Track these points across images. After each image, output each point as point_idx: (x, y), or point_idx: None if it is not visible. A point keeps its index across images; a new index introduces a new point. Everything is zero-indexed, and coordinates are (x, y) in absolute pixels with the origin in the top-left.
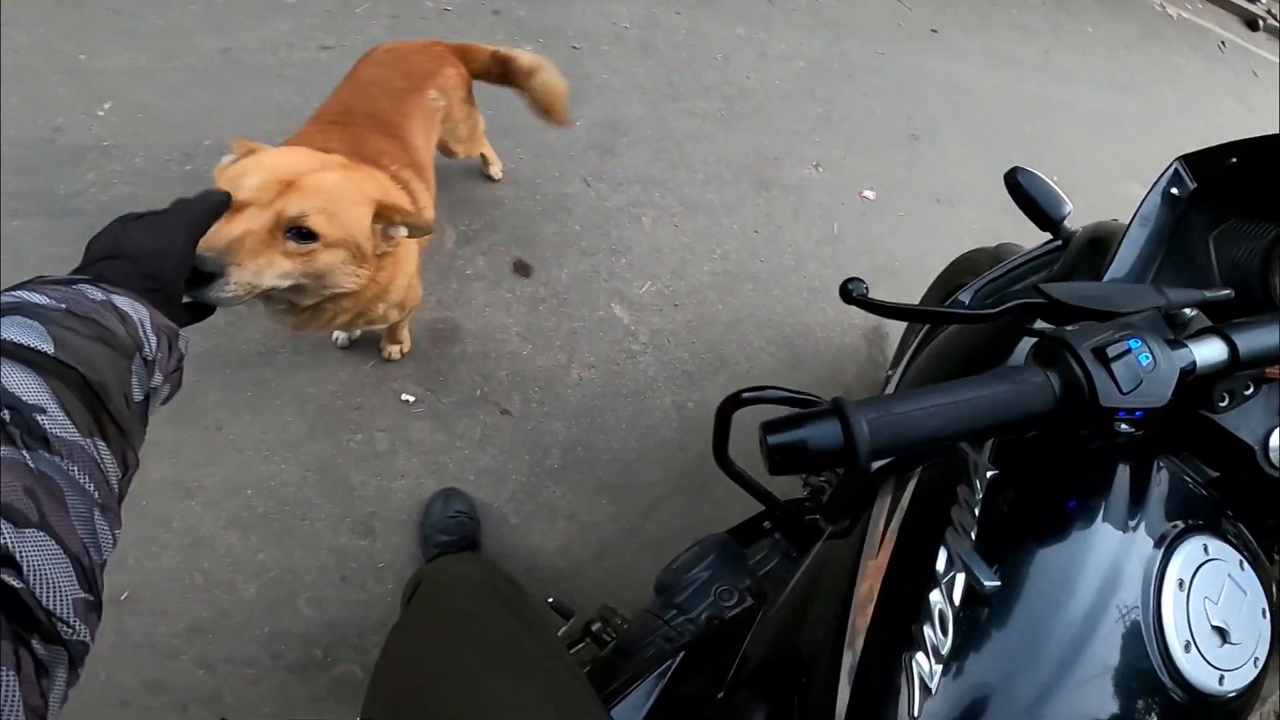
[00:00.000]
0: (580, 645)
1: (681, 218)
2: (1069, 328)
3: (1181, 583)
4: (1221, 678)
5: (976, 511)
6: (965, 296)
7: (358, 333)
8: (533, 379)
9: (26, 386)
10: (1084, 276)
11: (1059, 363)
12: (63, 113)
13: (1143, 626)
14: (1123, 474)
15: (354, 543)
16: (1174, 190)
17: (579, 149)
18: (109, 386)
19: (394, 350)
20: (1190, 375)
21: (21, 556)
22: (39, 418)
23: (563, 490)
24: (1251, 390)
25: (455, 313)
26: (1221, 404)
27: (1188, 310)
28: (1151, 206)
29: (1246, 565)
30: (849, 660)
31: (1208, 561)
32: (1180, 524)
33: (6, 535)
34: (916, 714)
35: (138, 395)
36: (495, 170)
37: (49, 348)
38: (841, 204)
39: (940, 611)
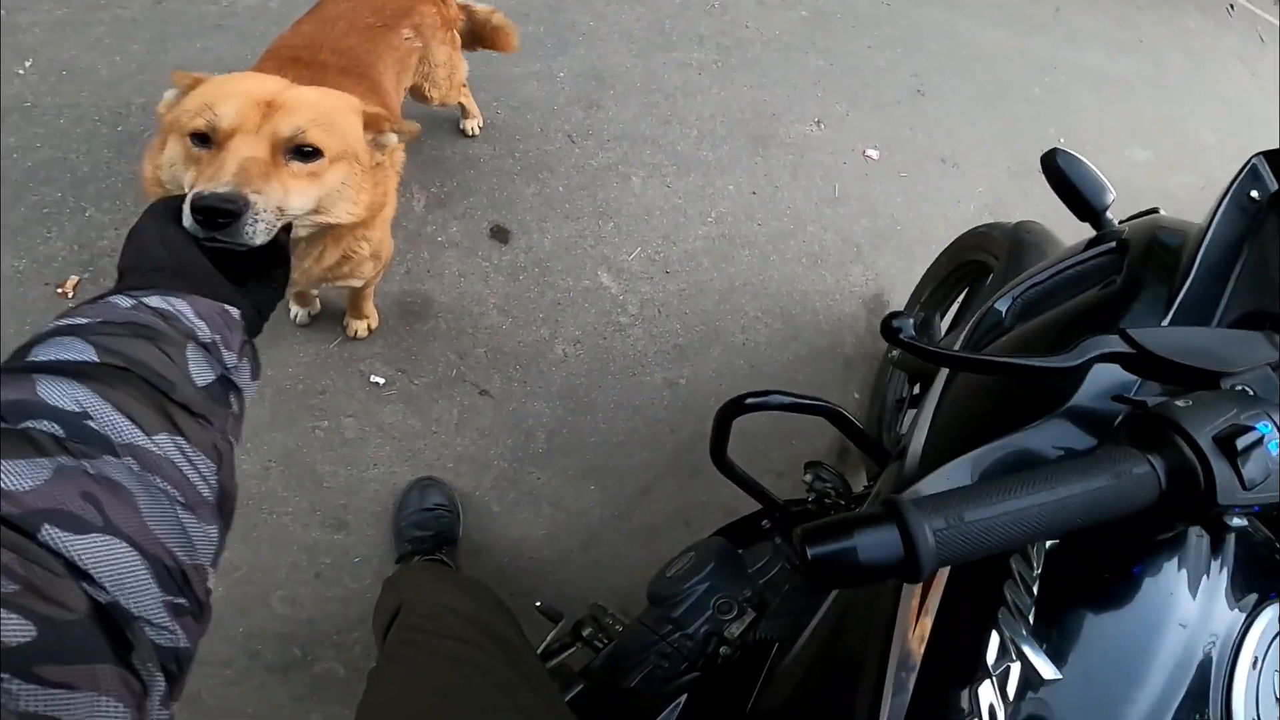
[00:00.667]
0: (571, 650)
1: (673, 177)
2: (1179, 403)
3: (1256, 661)
4: None
5: (1035, 590)
6: (1002, 305)
7: (317, 306)
8: (513, 356)
9: (66, 395)
10: (1154, 296)
11: (1166, 449)
12: None
13: (1211, 712)
14: (1195, 534)
15: (326, 537)
16: (1253, 192)
17: (562, 102)
18: (169, 378)
19: (360, 326)
20: None
21: (86, 563)
22: (88, 423)
23: (547, 476)
24: None
25: (426, 285)
26: None
27: None
28: (1226, 211)
29: None
30: None
31: None
32: (1256, 594)
33: (64, 544)
34: None
35: (207, 379)
36: (472, 125)
37: (92, 356)
38: (843, 163)
39: (990, 707)
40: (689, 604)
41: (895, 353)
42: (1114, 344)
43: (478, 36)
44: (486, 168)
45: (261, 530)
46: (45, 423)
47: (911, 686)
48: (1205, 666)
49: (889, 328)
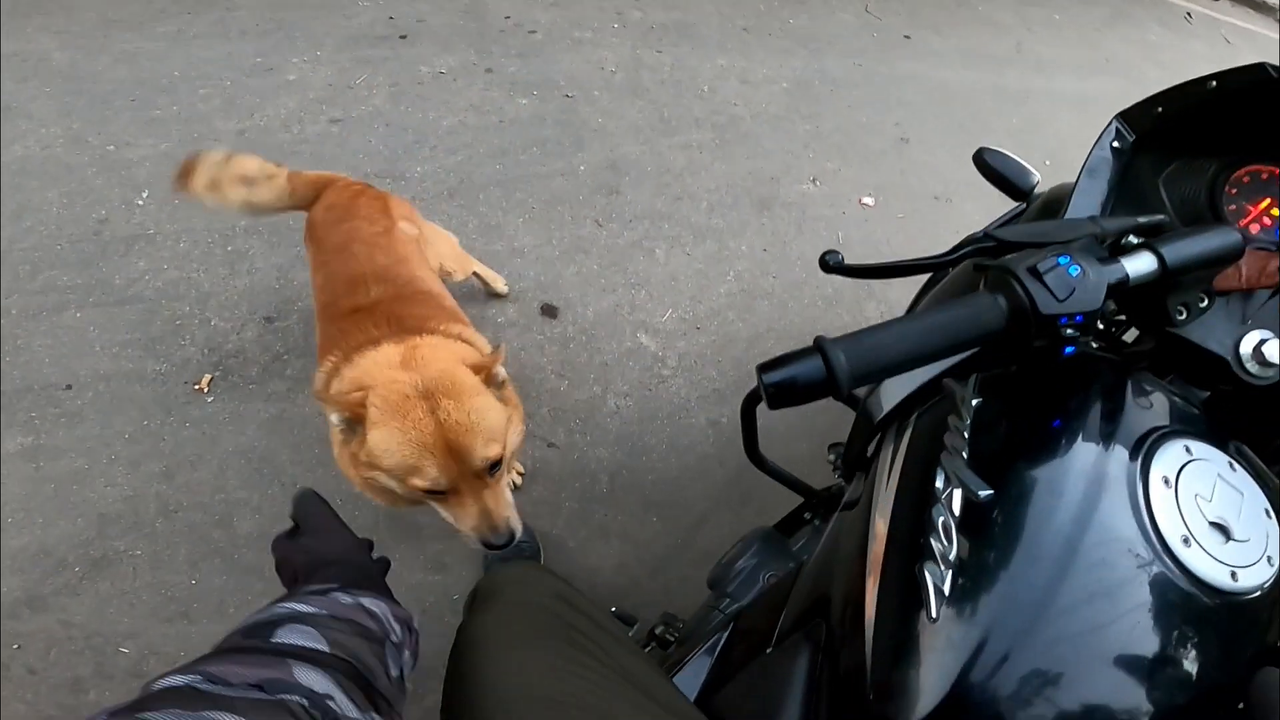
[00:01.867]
0: (646, 649)
1: (692, 245)
2: (1009, 256)
3: (1167, 480)
4: (1234, 573)
5: (966, 435)
6: None
7: None
8: (572, 412)
9: (316, 681)
10: None
11: (1004, 286)
12: (103, 204)
13: (1136, 523)
14: (1098, 390)
15: (429, 578)
16: (1115, 144)
17: (586, 192)
18: (374, 670)
19: (511, 479)
20: (1125, 285)
21: None
22: (329, 703)
23: (613, 512)
24: (1206, 304)
25: None
26: (1180, 317)
27: (1133, 239)
28: (1097, 160)
29: (1238, 467)
30: (871, 581)
31: (1191, 461)
32: (1159, 428)
33: None
34: (935, 616)
35: (394, 672)
36: (499, 286)
37: (325, 647)
38: (842, 213)
39: (944, 523)
40: (741, 579)
41: None
42: (981, 240)
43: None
44: (531, 256)
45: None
46: (296, 697)
47: (888, 525)
48: (1117, 482)
49: (822, 260)
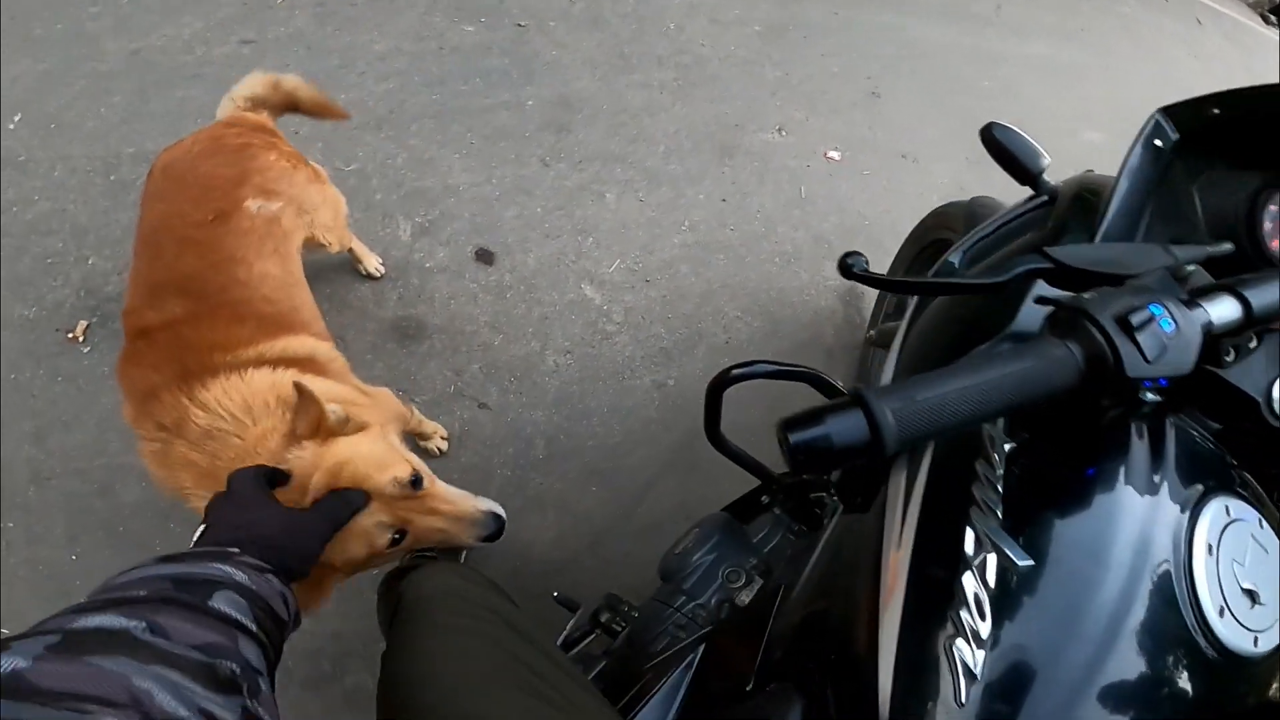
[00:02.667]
0: (590, 638)
1: (645, 192)
2: (1086, 295)
3: (1210, 548)
4: (1255, 639)
5: (1000, 488)
6: (954, 258)
7: None
8: (507, 369)
9: (253, 655)
10: (1077, 234)
11: (1080, 333)
12: None
13: (1178, 595)
14: (1137, 437)
15: None
16: (1157, 141)
17: (532, 129)
18: (276, 652)
19: (435, 443)
20: (1208, 335)
21: None
22: (259, 680)
23: (550, 481)
24: (1255, 344)
25: (419, 309)
26: (1228, 359)
27: (1189, 266)
28: (1136, 159)
29: (1265, 524)
30: (887, 649)
31: (1231, 523)
32: (1201, 486)
33: None
34: (964, 700)
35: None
36: (372, 265)
37: (253, 626)
38: (807, 166)
39: (975, 595)
40: (699, 575)
41: (873, 332)
42: (1036, 261)
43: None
44: (466, 195)
45: None
46: (232, 664)
47: (904, 585)
48: (1163, 549)
49: (844, 265)
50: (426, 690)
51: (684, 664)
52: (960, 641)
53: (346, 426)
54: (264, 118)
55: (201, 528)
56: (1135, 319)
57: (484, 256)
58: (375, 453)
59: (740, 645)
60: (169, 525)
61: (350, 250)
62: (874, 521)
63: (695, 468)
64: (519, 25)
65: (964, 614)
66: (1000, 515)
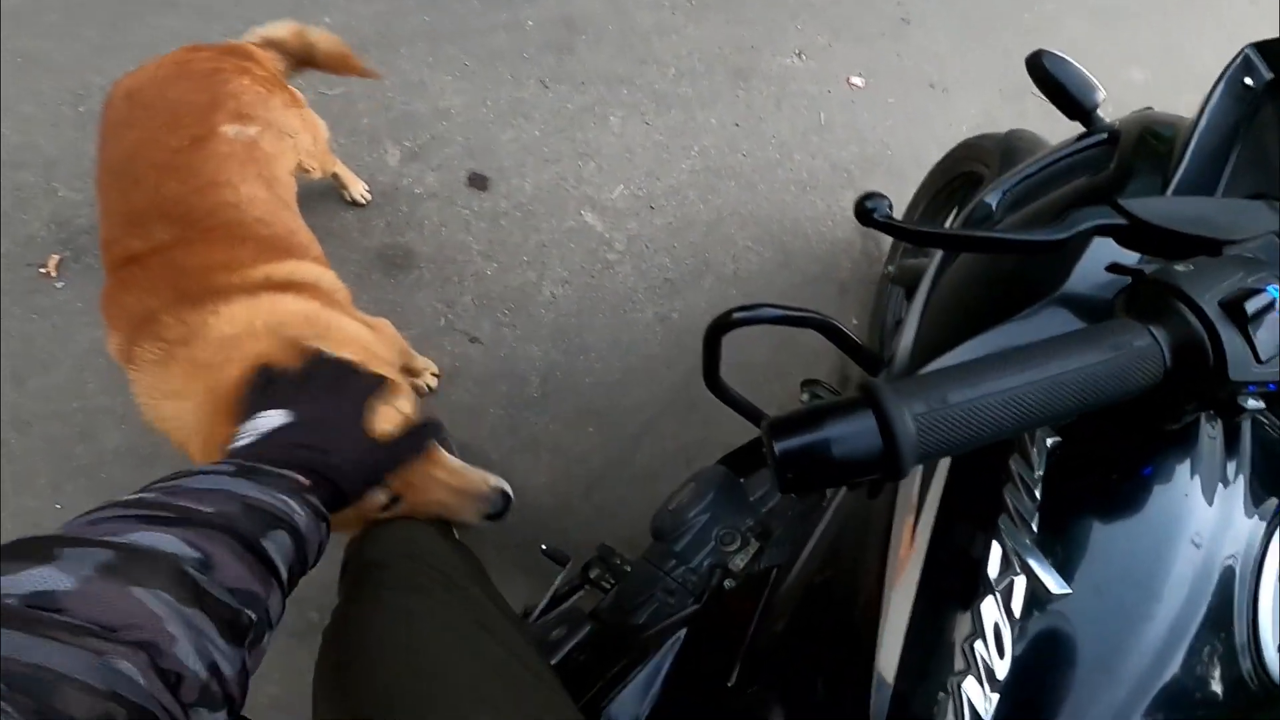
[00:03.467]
0: (580, 593)
1: (653, 115)
2: (1180, 267)
3: None
4: None
5: (1037, 494)
6: (991, 199)
7: None
8: (501, 300)
9: (275, 607)
10: (1146, 182)
11: (1171, 319)
12: None
13: (1235, 616)
14: (1208, 432)
15: None
16: (1246, 80)
17: (532, 50)
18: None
19: (425, 381)
20: None
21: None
22: (266, 632)
23: (545, 421)
24: None
25: (407, 237)
26: None
27: None
28: (1219, 99)
29: None
30: (886, 675)
31: None
32: (1278, 500)
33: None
34: None
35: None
36: (357, 191)
37: (285, 576)
38: (828, 92)
39: (995, 626)
40: (691, 537)
41: (891, 268)
42: (1106, 215)
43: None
44: (459, 118)
45: None
46: (251, 613)
47: (910, 606)
48: (1227, 582)
49: (862, 208)
50: (358, 660)
51: (666, 647)
52: (970, 681)
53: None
54: (260, 52)
55: (276, 415)
56: (1250, 305)
57: (477, 182)
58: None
59: (726, 631)
60: (152, 471)
61: (335, 175)
62: (883, 512)
63: (695, 408)
64: None
65: (979, 647)
66: (1035, 529)
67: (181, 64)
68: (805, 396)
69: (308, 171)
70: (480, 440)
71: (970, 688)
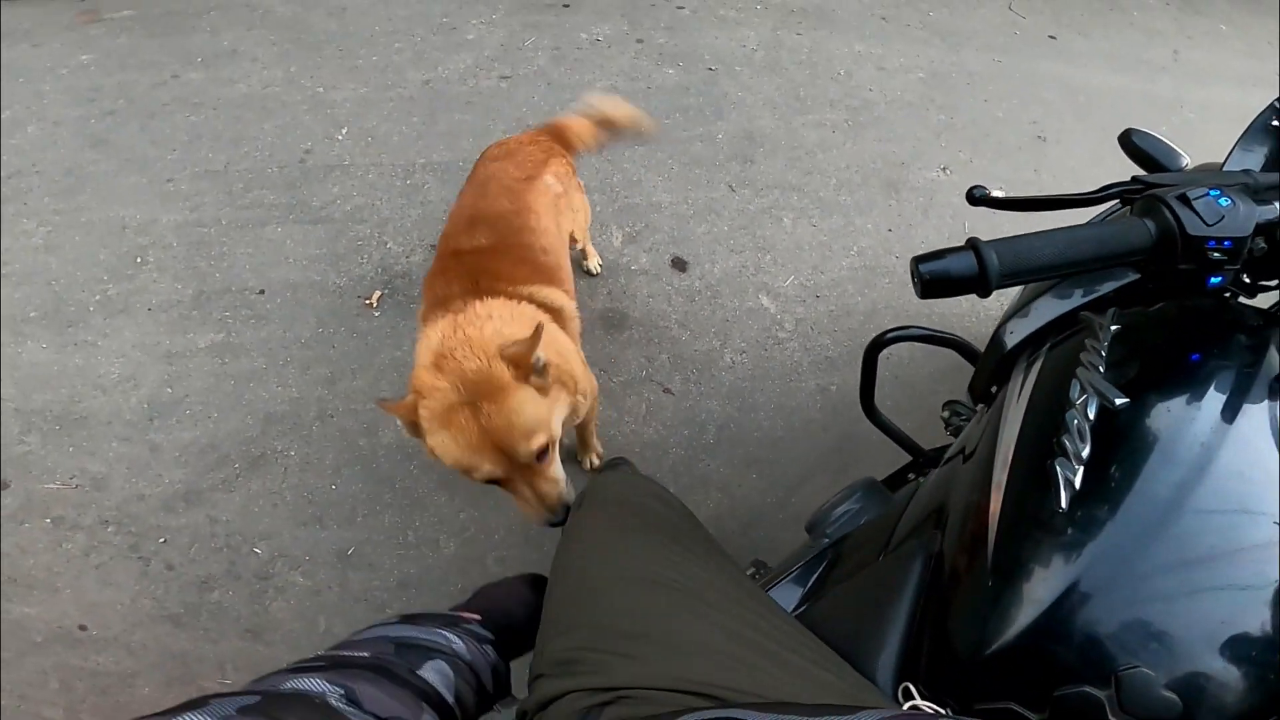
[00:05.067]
0: None
1: (818, 218)
2: (1159, 188)
3: None
4: None
5: (1103, 353)
6: None
7: None
8: (690, 362)
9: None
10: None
11: (1152, 210)
12: (309, 137)
13: (1264, 467)
14: (1241, 334)
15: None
16: (1274, 123)
17: (722, 159)
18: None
19: (589, 458)
20: (1278, 226)
21: None
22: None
23: (716, 464)
24: None
25: (623, 304)
26: None
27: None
28: (1253, 135)
29: None
30: (997, 481)
31: None
32: None
33: None
34: (1064, 508)
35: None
36: (594, 264)
37: (449, 698)
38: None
39: (1078, 425)
40: (841, 524)
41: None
42: (1128, 184)
43: (629, 134)
44: (667, 212)
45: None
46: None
47: (1017, 431)
48: (1259, 430)
49: (970, 194)
50: (578, 541)
51: (806, 564)
52: (1063, 460)
53: (542, 374)
54: (578, 124)
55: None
56: (1193, 194)
57: (678, 264)
58: (536, 415)
59: (866, 543)
60: (410, 466)
61: (584, 250)
62: (995, 410)
63: (846, 469)
64: (710, 69)
65: (1066, 440)
66: (1102, 370)
67: (531, 140)
68: (946, 414)
69: (575, 241)
70: (662, 474)
71: (1062, 463)
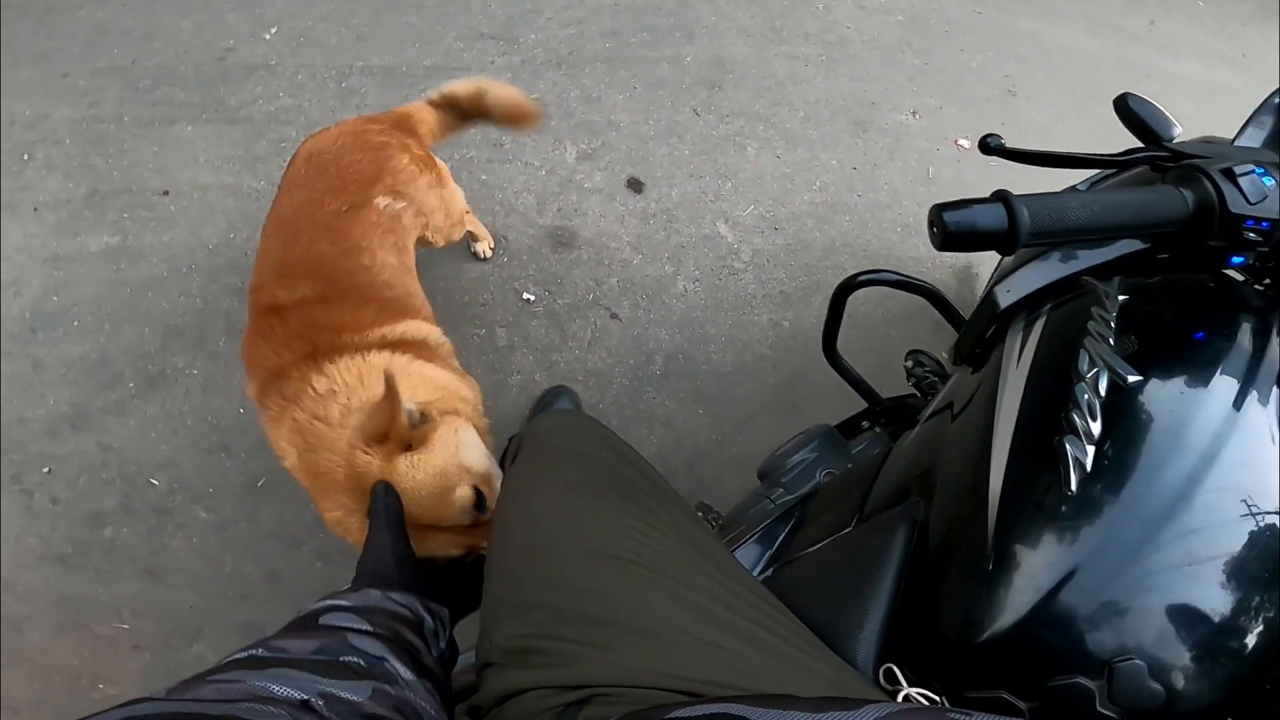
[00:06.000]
0: None
1: (783, 150)
2: (1199, 159)
3: None
4: None
5: (1112, 324)
6: (1083, 187)
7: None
8: (641, 287)
9: (369, 646)
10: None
11: (1193, 181)
12: (233, 35)
13: (1267, 459)
14: (1247, 314)
15: None
16: (1277, 99)
17: (688, 83)
18: (418, 647)
19: (480, 248)
20: None
21: None
22: (385, 665)
23: (662, 397)
24: None
25: (574, 221)
26: None
27: None
28: (1261, 114)
29: None
30: (998, 454)
31: None
32: None
33: None
34: (1073, 489)
35: (434, 653)
36: (483, 247)
37: (368, 626)
38: (936, 150)
39: (1088, 400)
40: (797, 471)
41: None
42: (1155, 148)
43: (474, 116)
44: (626, 131)
45: None
46: (355, 658)
47: (1020, 400)
48: (1262, 416)
49: (983, 143)
50: (528, 499)
51: (769, 525)
52: (1072, 438)
53: (422, 429)
54: (427, 113)
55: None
56: (1239, 170)
57: (634, 185)
58: (440, 470)
59: (835, 506)
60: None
61: (469, 233)
62: (990, 370)
63: (795, 409)
64: None
65: (1075, 417)
66: (1112, 343)
67: (358, 135)
68: (909, 364)
69: (432, 244)
70: (605, 404)
71: (1071, 441)
